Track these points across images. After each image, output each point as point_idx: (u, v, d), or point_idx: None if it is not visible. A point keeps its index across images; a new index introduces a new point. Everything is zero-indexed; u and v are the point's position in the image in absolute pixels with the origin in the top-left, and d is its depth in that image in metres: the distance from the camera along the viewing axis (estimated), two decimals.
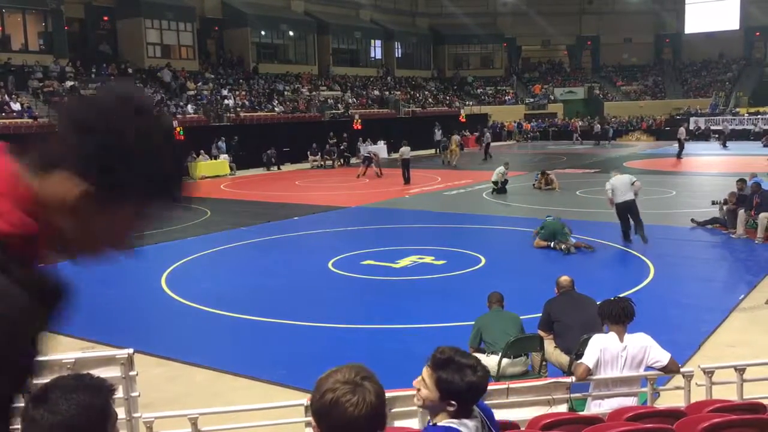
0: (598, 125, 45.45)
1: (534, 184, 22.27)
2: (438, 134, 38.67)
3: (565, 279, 6.83)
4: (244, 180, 27.39)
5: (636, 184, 13.01)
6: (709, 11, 53.64)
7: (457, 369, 2.25)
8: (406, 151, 24.76)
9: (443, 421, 2.25)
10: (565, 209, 14.85)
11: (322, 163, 32.22)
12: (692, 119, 45.83)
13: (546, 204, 18.69)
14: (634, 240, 13.15)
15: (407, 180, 24.31)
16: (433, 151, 38.58)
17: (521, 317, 6.65)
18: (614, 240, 13.47)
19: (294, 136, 33.30)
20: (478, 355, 6.26)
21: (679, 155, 32.55)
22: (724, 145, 39.21)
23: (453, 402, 2.24)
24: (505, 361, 6.02)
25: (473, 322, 6.55)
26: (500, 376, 5.96)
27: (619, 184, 12.98)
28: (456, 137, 33.76)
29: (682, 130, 35.22)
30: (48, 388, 1.61)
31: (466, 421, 2.26)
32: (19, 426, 1.57)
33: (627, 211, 12.95)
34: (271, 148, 31.17)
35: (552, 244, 12.86)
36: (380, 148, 36.52)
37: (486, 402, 4.52)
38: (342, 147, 33.53)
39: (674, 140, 43.38)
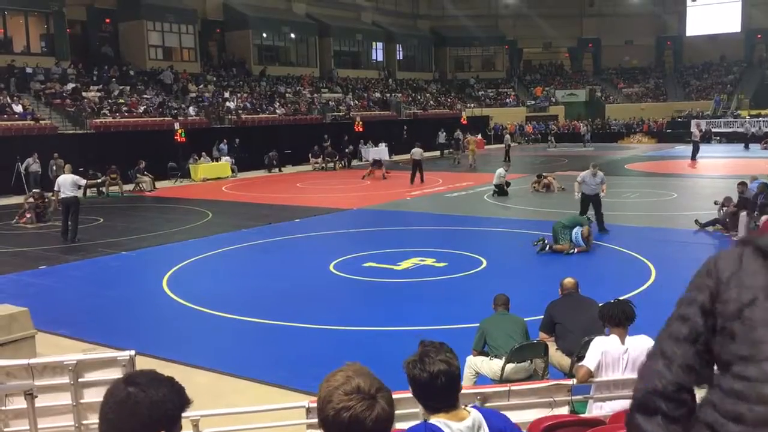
0: (585, 127, 45.67)
1: (535, 187, 22.30)
2: (442, 137, 38.82)
3: (569, 281, 6.82)
4: (246, 182, 27.41)
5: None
6: (711, 13, 53.63)
7: (412, 362, 2.26)
8: (417, 152, 25.13)
9: (431, 419, 2.25)
10: (566, 211, 14.85)
11: (324, 165, 32.26)
12: (693, 121, 45.80)
13: (546, 206, 18.70)
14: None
15: (411, 180, 24.74)
16: (437, 153, 38.71)
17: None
18: (615, 242, 13.48)
19: (295, 139, 33.38)
20: (482, 358, 6.28)
21: (693, 156, 32.53)
22: (747, 146, 39.16)
23: (415, 396, 2.25)
24: (509, 366, 5.99)
25: (477, 325, 6.53)
26: (503, 381, 5.94)
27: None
28: (474, 137, 34.49)
29: (696, 132, 35.23)
30: (139, 374, 1.71)
31: (451, 423, 2.24)
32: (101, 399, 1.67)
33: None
34: (272, 150, 31.23)
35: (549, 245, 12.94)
36: (382, 151, 36.64)
37: (487, 404, 4.53)
38: (347, 149, 33.68)
39: (676, 143, 43.50)
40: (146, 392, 1.63)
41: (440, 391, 2.25)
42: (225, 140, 30.50)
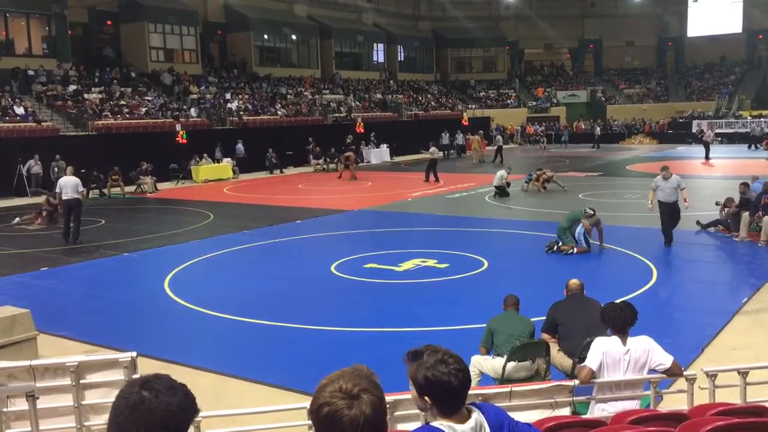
0: (598, 127, 45.63)
1: (524, 187, 22.38)
2: (446, 138, 38.90)
3: (574, 282, 6.82)
4: (247, 183, 27.43)
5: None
6: (712, 14, 53.57)
7: (421, 363, 2.24)
8: (434, 151, 27.02)
9: (434, 422, 2.24)
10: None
11: (325, 166, 32.28)
12: (695, 121, 45.72)
13: (548, 207, 18.68)
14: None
15: (437, 179, 25.97)
16: (440, 154, 38.81)
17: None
18: (617, 243, 13.46)
19: (297, 140, 33.42)
20: (485, 357, 6.29)
21: (706, 156, 32.82)
22: (756, 146, 39.06)
23: (425, 398, 2.22)
24: (511, 364, 6.00)
25: (479, 326, 6.54)
26: (505, 380, 5.96)
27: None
28: (477, 137, 35.73)
29: (709, 133, 35.21)
30: (155, 378, 1.67)
31: (455, 425, 2.22)
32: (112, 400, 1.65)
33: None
34: (273, 151, 31.31)
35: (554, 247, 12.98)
36: (383, 152, 36.71)
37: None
38: (351, 148, 33.79)
39: (678, 143, 43.43)
40: (161, 399, 1.60)
41: (464, 392, 2.24)
42: (240, 140, 31.26)
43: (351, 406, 1.62)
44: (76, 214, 14.93)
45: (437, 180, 25.81)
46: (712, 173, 27.46)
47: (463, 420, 2.25)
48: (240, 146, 31.16)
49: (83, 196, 15.43)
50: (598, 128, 45.30)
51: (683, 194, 13.04)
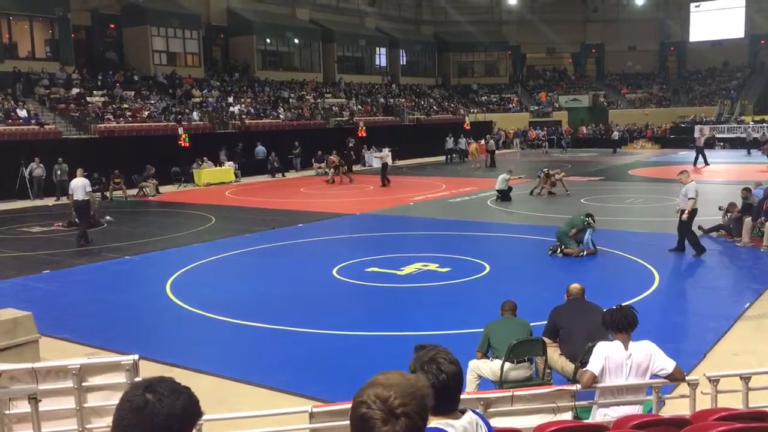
0: (616, 132, 45.49)
1: (534, 191, 22.37)
2: (450, 142, 38.92)
3: (574, 287, 6.82)
4: (249, 187, 27.44)
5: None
6: (714, 19, 53.59)
7: (419, 355, 2.26)
8: (385, 154, 27.73)
9: (431, 423, 2.26)
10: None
11: (327, 170, 32.26)
12: (697, 127, 45.67)
13: (549, 212, 18.67)
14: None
15: (388, 181, 26.28)
16: (443, 158, 38.79)
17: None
18: (619, 248, 13.45)
19: (299, 143, 33.45)
20: (484, 360, 6.29)
21: (698, 162, 32.28)
22: (749, 152, 38.96)
23: None
24: (507, 365, 6.01)
25: (481, 330, 6.54)
26: (503, 381, 5.96)
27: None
28: (475, 145, 36.67)
29: (700, 137, 35.09)
30: (159, 381, 1.68)
31: (452, 421, 2.26)
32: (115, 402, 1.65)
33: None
34: (275, 155, 31.36)
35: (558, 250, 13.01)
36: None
37: (490, 409, 4.53)
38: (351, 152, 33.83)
39: (680, 148, 43.36)
40: (165, 402, 1.61)
41: (454, 392, 2.27)
42: (258, 143, 31.76)
43: (386, 422, 1.57)
44: (81, 216, 14.97)
45: (388, 183, 26.08)
46: (713, 178, 27.42)
47: (458, 417, 2.29)
48: (261, 148, 31.60)
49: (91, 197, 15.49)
50: (617, 132, 44.96)
51: (687, 204, 12.45)
